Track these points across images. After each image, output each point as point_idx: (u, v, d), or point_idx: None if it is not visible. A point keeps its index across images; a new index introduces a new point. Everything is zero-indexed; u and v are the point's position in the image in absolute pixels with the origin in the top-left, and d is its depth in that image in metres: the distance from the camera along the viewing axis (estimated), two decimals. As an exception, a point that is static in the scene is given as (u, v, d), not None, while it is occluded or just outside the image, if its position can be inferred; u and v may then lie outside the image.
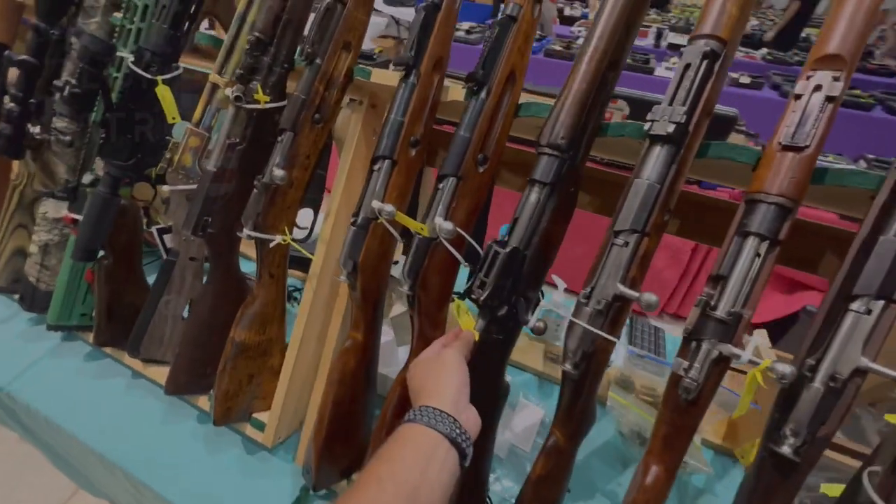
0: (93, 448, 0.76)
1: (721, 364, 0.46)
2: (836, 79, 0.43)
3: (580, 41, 3.78)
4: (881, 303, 0.41)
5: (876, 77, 3.45)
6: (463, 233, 0.56)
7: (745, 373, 0.50)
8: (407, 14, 2.09)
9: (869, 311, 0.42)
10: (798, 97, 0.45)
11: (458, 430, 0.44)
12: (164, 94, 0.75)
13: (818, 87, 0.44)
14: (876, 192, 0.44)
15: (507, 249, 0.51)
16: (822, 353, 0.43)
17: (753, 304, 0.46)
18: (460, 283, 0.58)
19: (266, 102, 0.68)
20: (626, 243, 0.49)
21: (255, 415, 0.78)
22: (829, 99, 0.44)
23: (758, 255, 0.45)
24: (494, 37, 0.54)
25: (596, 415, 0.57)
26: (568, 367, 0.52)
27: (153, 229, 0.89)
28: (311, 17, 0.67)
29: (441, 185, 0.57)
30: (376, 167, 0.60)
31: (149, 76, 0.74)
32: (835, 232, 0.55)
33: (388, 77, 0.64)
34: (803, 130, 0.44)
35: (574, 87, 0.51)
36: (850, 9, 0.43)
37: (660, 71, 3.27)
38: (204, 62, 0.81)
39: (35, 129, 0.85)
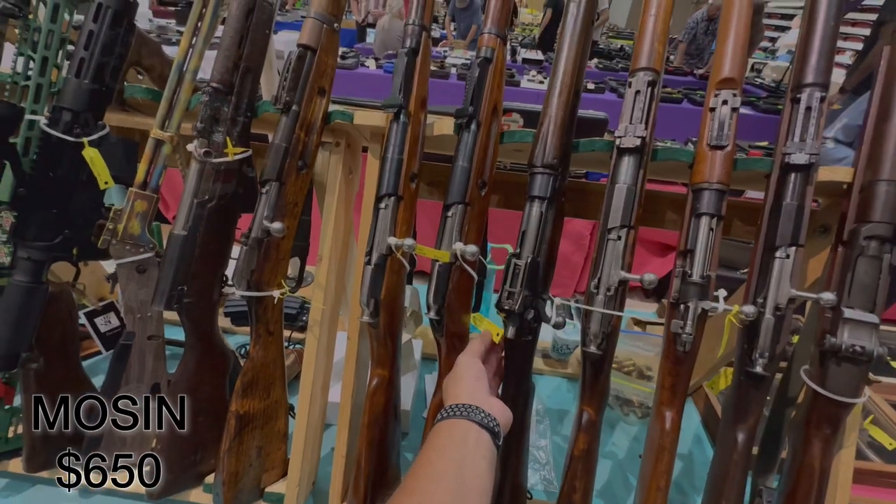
0: None
1: (703, 317, 0.59)
2: (734, 94, 0.60)
3: (449, 60, 4.09)
4: (794, 248, 0.58)
5: (677, 76, 4.40)
6: (479, 255, 0.61)
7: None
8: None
9: (788, 256, 0.58)
10: (712, 110, 0.61)
11: (481, 414, 0.49)
12: (92, 156, 0.65)
13: (725, 102, 0.60)
14: (769, 172, 0.62)
15: (526, 260, 0.58)
16: (766, 293, 0.59)
17: (714, 266, 0.60)
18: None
19: (236, 154, 0.65)
20: (619, 237, 0.59)
21: (267, 489, 0.72)
22: (734, 109, 0.60)
23: (711, 229, 0.59)
24: (477, 77, 0.61)
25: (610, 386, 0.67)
26: (592, 348, 0.60)
27: (81, 314, 0.76)
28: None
29: (450, 213, 0.61)
30: (382, 205, 0.62)
31: (72, 138, 0.64)
32: (739, 203, 0.74)
33: (369, 118, 0.66)
34: (722, 134, 0.60)
35: (554, 115, 0.60)
36: (731, 45, 0.60)
37: (524, 83, 3.71)
38: (134, 117, 0.72)
39: None
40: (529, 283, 0.59)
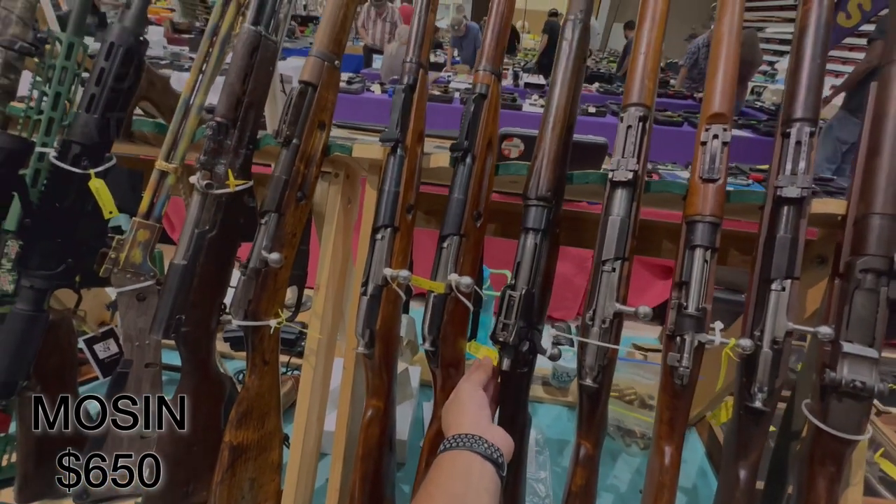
0: None
1: (700, 350, 0.59)
2: (724, 129, 0.61)
3: (452, 85, 4.18)
4: (789, 280, 0.58)
5: (677, 100, 4.47)
6: (475, 286, 0.61)
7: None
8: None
9: (783, 288, 0.58)
10: (704, 144, 0.62)
11: (485, 445, 0.48)
12: (98, 187, 0.67)
13: (716, 136, 0.61)
14: (763, 204, 0.63)
15: (521, 292, 0.58)
16: (762, 326, 0.58)
17: (710, 298, 0.60)
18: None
19: (237, 186, 0.66)
20: (613, 269, 0.60)
21: (259, 522, 0.70)
22: (724, 143, 0.61)
23: (705, 261, 0.60)
24: (472, 112, 0.62)
25: (608, 419, 0.66)
26: (588, 381, 0.60)
27: (81, 341, 0.77)
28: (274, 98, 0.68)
29: (445, 245, 0.62)
30: (379, 236, 0.63)
31: (79, 170, 0.66)
32: (734, 233, 0.74)
33: (368, 150, 0.68)
34: (713, 167, 0.61)
35: (547, 149, 0.61)
36: (720, 81, 0.62)
37: (526, 107, 3.78)
38: (139, 147, 0.74)
39: None
40: (524, 315, 0.59)
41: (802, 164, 0.59)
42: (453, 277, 0.60)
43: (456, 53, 5.63)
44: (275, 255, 0.62)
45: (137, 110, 0.75)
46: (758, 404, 0.58)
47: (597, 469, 0.64)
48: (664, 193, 0.65)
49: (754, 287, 0.61)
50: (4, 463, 0.72)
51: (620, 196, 0.61)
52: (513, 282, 0.60)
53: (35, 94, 0.69)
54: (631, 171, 0.59)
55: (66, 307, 0.73)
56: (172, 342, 0.67)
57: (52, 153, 0.65)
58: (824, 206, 0.63)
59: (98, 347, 0.80)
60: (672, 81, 5.00)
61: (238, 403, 0.67)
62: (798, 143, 0.59)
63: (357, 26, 5.77)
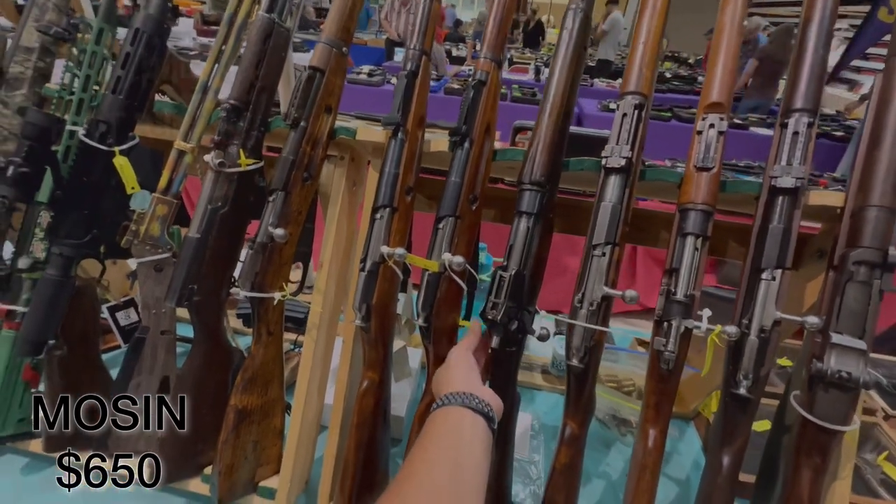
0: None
1: (687, 336, 0.60)
2: (721, 119, 0.61)
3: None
4: (780, 270, 0.58)
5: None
6: (467, 265, 0.64)
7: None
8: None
9: (774, 278, 0.58)
10: (700, 133, 0.62)
11: (475, 401, 0.49)
12: (122, 164, 0.72)
13: (712, 125, 0.62)
14: (758, 194, 0.63)
15: (511, 273, 0.60)
16: (751, 314, 0.59)
17: (699, 285, 0.60)
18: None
19: (248, 165, 0.70)
20: (604, 253, 0.61)
21: (261, 483, 0.75)
22: (720, 133, 0.61)
23: (696, 248, 0.60)
24: (471, 98, 0.64)
25: (596, 402, 0.68)
26: (574, 361, 0.62)
27: (104, 307, 0.82)
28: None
29: (441, 226, 0.64)
30: (378, 216, 0.66)
31: (105, 147, 0.71)
32: (733, 225, 0.74)
33: (371, 134, 0.71)
34: (708, 156, 0.61)
35: (543, 135, 0.63)
36: (720, 71, 0.62)
37: (546, 102, 3.74)
38: (161, 128, 0.79)
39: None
40: (514, 295, 0.61)
41: (798, 155, 0.59)
42: (446, 256, 0.62)
43: (477, 47, 5.62)
44: (280, 231, 0.66)
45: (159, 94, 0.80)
46: (742, 391, 0.59)
47: (582, 449, 0.66)
48: (658, 182, 0.66)
49: (745, 276, 0.61)
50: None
51: (614, 182, 0.62)
52: (505, 263, 0.62)
53: (67, 76, 0.74)
54: (624, 157, 0.60)
55: (91, 276, 0.79)
56: (187, 316, 0.72)
57: (81, 131, 0.71)
58: (823, 198, 0.63)
59: (120, 315, 0.85)
60: (700, 79, 4.86)
61: (244, 370, 0.71)
62: (795, 133, 0.59)
63: (380, 19, 5.82)
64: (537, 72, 4.83)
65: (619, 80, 4.80)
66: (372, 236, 0.66)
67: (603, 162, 0.62)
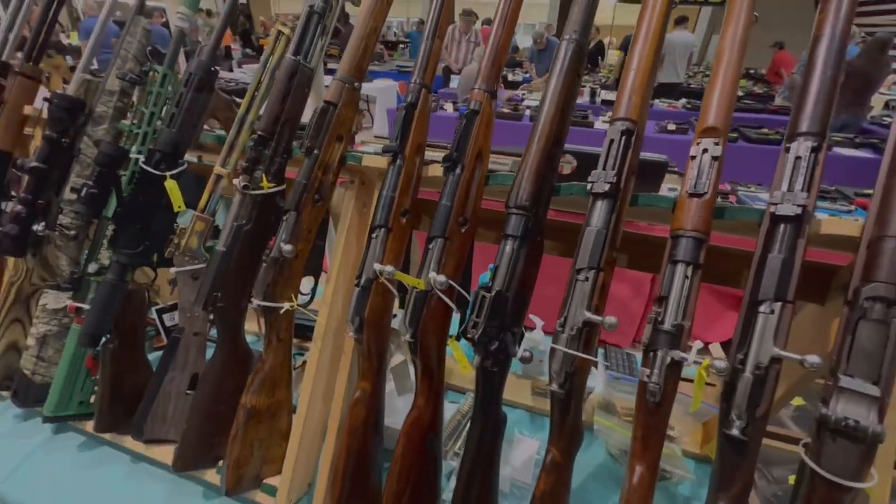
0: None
1: (675, 367, 0.57)
2: (716, 143, 0.59)
3: (525, 103, 4.24)
4: (779, 304, 0.54)
5: (777, 116, 4.04)
6: (453, 283, 0.66)
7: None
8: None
9: (772, 311, 0.54)
10: (693, 158, 0.61)
11: None
12: (171, 187, 0.84)
13: (706, 150, 0.60)
14: (760, 221, 0.59)
15: (493, 293, 0.62)
16: (747, 349, 0.55)
17: (691, 315, 0.58)
18: (453, 327, 0.68)
19: (269, 188, 0.79)
20: (587, 278, 0.61)
21: (265, 480, 0.81)
22: (714, 158, 0.59)
23: (686, 276, 0.58)
24: (463, 126, 0.68)
25: (584, 430, 0.66)
26: (555, 387, 0.61)
27: (153, 309, 0.95)
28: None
29: (431, 246, 0.68)
30: (374, 235, 0.71)
31: (158, 173, 0.84)
32: (746, 253, 0.70)
33: (376, 161, 0.77)
34: (700, 181, 0.59)
35: (530, 161, 0.65)
36: (717, 95, 0.61)
37: (598, 124, 3.69)
38: (206, 155, 0.91)
39: (38, 227, 0.90)
40: (495, 315, 0.62)
41: (800, 180, 0.55)
42: (432, 276, 0.65)
43: (533, 70, 5.71)
44: (288, 247, 0.73)
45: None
46: (735, 432, 0.54)
47: (565, 479, 0.64)
48: (653, 207, 0.64)
49: (743, 308, 0.57)
50: (92, 400, 0.91)
51: (600, 207, 0.62)
52: (489, 283, 0.64)
53: (137, 113, 0.89)
54: (608, 182, 0.60)
55: (143, 282, 0.92)
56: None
57: (141, 159, 0.84)
58: (837, 226, 0.58)
59: (166, 316, 0.98)
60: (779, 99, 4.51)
61: (255, 372, 0.78)
62: (798, 157, 0.56)
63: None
64: (592, 94, 4.77)
65: (683, 100, 4.61)
66: (368, 254, 0.70)
67: (589, 187, 0.62)
